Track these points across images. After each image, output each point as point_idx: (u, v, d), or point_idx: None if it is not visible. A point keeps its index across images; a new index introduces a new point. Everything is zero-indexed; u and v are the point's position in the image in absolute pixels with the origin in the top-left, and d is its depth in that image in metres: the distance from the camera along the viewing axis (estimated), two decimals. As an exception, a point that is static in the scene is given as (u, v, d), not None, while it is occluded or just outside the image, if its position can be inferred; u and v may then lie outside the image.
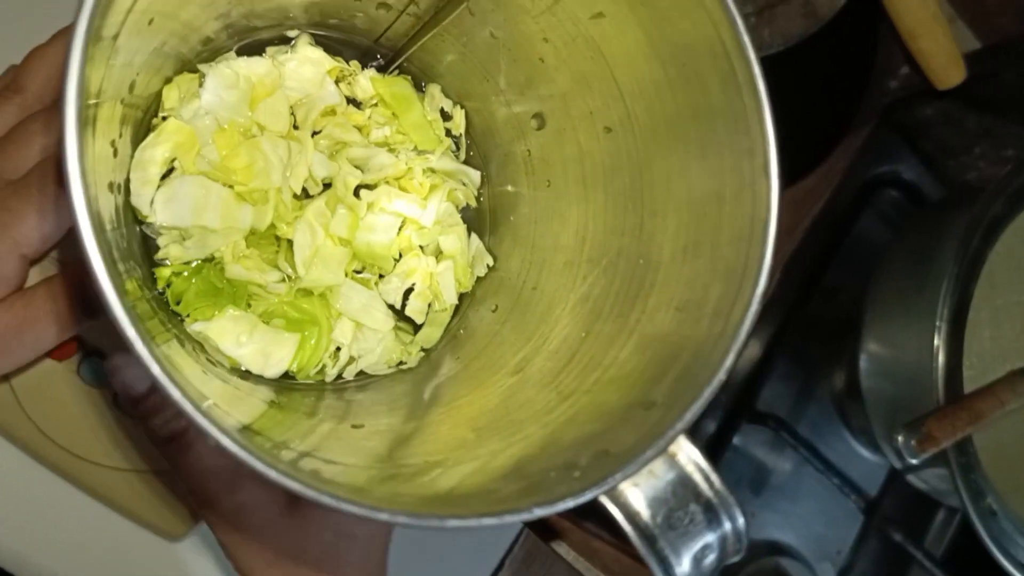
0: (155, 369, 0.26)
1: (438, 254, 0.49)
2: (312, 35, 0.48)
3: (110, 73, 0.34)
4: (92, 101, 0.33)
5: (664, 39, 0.35)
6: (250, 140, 0.45)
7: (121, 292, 0.26)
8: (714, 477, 0.32)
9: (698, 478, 0.31)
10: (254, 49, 0.47)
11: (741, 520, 0.32)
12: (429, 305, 0.49)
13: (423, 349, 0.49)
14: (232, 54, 0.46)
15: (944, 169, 0.84)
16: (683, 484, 0.31)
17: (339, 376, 0.48)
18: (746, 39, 0.32)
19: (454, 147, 0.51)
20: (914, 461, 0.57)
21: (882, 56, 0.78)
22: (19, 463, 0.52)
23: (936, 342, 0.60)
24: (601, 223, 0.42)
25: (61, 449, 0.51)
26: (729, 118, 0.34)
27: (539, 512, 0.29)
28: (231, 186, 0.45)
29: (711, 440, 0.73)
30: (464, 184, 0.50)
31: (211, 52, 0.46)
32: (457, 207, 0.50)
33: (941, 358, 0.60)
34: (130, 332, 0.26)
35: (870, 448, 0.79)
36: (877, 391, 0.70)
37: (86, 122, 0.29)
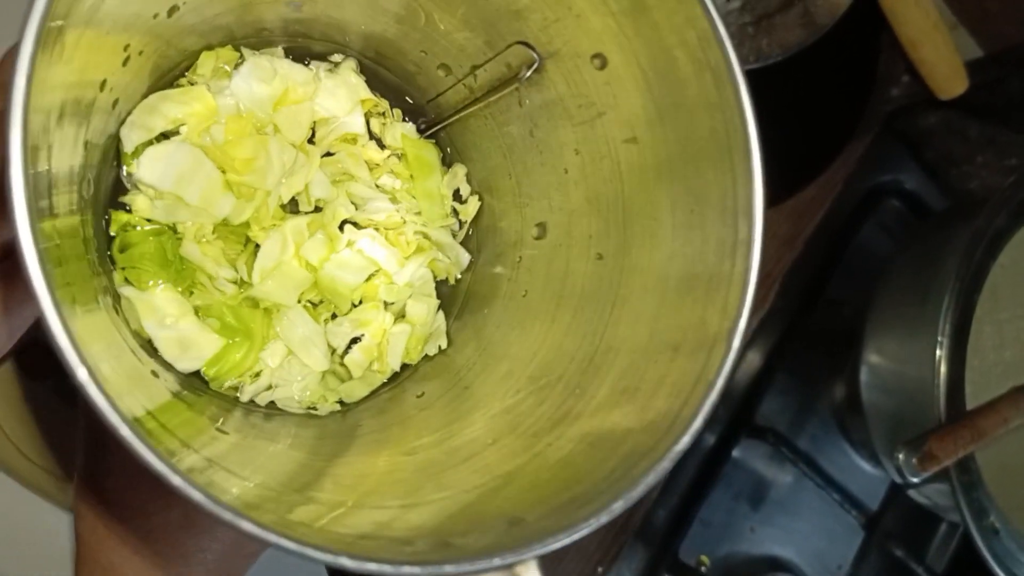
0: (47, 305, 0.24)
1: (400, 316, 0.47)
2: (364, 64, 0.48)
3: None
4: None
5: (688, 188, 0.35)
6: (261, 136, 0.45)
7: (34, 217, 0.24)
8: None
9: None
10: (298, 56, 0.47)
11: None
12: (370, 363, 0.46)
13: (341, 401, 0.46)
14: (279, 51, 0.46)
15: (947, 178, 0.81)
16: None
17: (251, 400, 0.45)
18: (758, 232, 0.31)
19: (456, 227, 0.50)
20: (915, 480, 0.54)
21: (883, 64, 0.76)
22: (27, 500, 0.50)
23: (938, 358, 0.57)
24: (557, 344, 0.41)
25: (43, 471, 0.49)
26: (714, 289, 0.33)
27: (346, 562, 0.26)
28: (224, 171, 0.44)
29: (710, 454, 0.71)
30: (449, 260, 0.48)
31: (259, 41, 0.46)
32: (436, 278, 0.49)
33: (943, 374, 0.57)
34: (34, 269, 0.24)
35: (871, 462, 0.76)
36: (878, 405, 0.67)
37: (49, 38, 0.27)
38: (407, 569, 0.26)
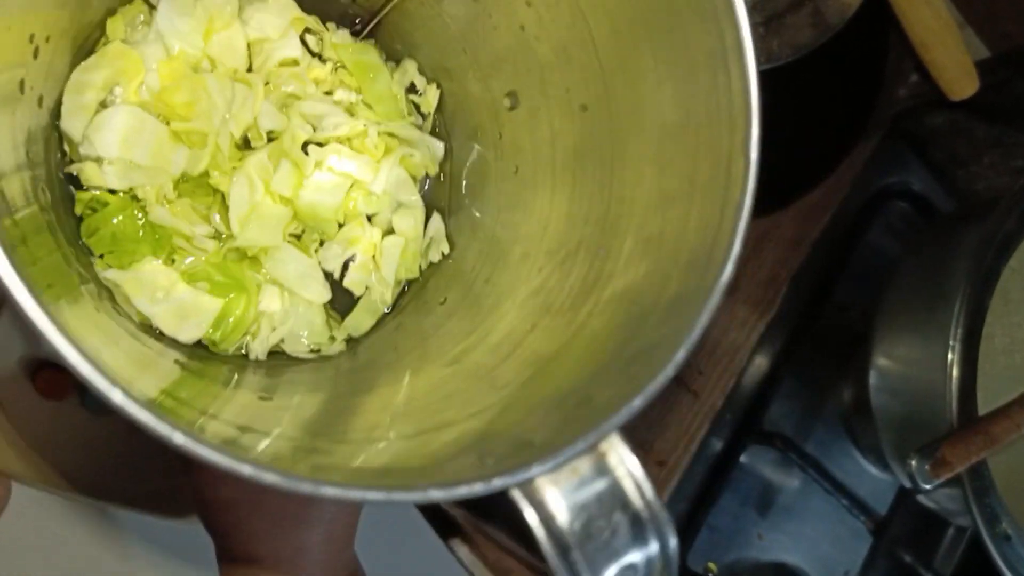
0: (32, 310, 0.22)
1: (388, 231, 0.45)
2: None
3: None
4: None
5: (655, 3, 0.32)
6: (197, 76, 0.41)
7: None
8: (647, 488, 0.27)
9: (628, 485, 0.27)
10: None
11: (673, 542, 0.27)
12: (369, 279, 0.44)
13: (349, 337, 0.45)
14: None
15: (953, 179, 0.80)
16: (611, 491, 0.27)
17: (260, 357, 0.44)
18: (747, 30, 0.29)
19: (419, 121, 0.47)
20: (928, 487, 0.54)
21: (892, 64, 0.75)
22: (49, 506, 0.49)
23: (950, 363, 0.56)
24: (565, 211, 0.39)
25: (91, 483, 0.48)
26: (712, 95, 0.31)
27: (435, 494, 0.25)
28: (168, 122, 0.41)
29: (717, 460, 0.69)
30: (422, 154, 0.46)
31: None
32: (415, 177, 0.46)
33: (955, 379, 0.56)
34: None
35: (879, 466, 0.75)
36: (887, 409, 0.66)
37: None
38: (497, 482, 0.25)
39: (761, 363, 0.72)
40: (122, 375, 0.23)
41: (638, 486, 0.27)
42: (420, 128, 0.47)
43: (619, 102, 0.35)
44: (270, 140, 0.44)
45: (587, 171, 0.37)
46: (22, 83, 0.34)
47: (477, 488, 0.25)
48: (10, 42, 0.31)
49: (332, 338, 0.44)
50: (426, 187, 0.48)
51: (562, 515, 0.26)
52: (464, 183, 0.47)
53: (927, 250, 0.68)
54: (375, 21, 0.44)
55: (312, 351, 0.44)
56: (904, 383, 0.64)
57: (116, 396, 0.22)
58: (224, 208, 0.42)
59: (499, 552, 0.55)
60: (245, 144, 0.43)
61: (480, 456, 0.28)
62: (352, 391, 0.40)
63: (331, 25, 0.46)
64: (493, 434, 0.29)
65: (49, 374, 0.46)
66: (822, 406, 0.75)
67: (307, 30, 0.46)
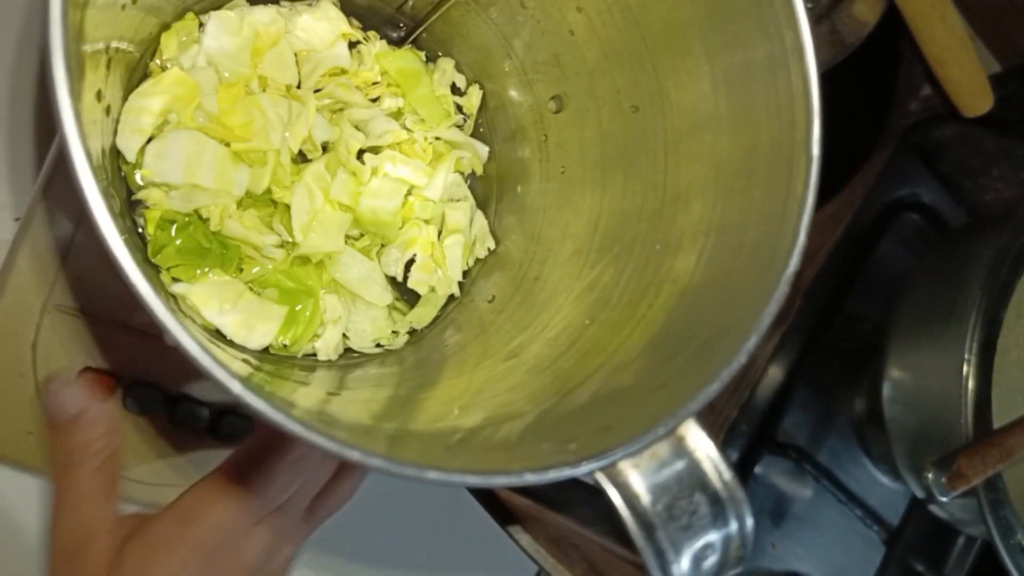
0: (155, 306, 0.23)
1: (442, 227, 0.47)
2: (332, -6, 0.46)
3: (94, 14, 0.32)
4: (86, 47, 0.31)
5: (713, 8, 0.33)
6: (249, 97, 0.43)
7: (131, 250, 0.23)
8: (724, 469, 0.29)
9: (707, 467, 0.28)
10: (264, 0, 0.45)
11: (750, 522, 0.29)
12: (433, 278, 0.46)
13: (412, 330, 0.46)
14: (242, 1, 0.44)
15: (962, 190, 0.82)
16: (690, 473, 0.28)
17: (329, 357, 0.45)
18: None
19: (461, 120, 0.48)
20: (944, 499, 0.55)
21: (903, 77, 0.76)
22: None
23: (965, 375, 0.58)
24: (617, 209, 0.40)
25: (134, 482, 0.48)
26: (771, 95, 0.32)
27: (530, 478, 0.26)
28: (227, 144, 0.43)
29: (732, 470, 0.70)
30: (470, 154, 0.48)
31: (217, 2, 0.44)
32: (464, 175, 0.48)
33: (970, 392, 0.57)
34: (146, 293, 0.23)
35: (891, 476, 0.76)
36: (900, 420, 0.67)
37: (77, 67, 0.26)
38: (585, 466, 0.26)
39: (775, 374, 0.73)
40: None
41: (716, 467, 0.29)
42: (462, 128, 0.49)
43: (672, 103, 0.37)
44: (324, 150, 0.45)
45: (639, 170, 0.39)
46: (99, 93, 0.35)
47: (566, 472, 0.26)
48: (95, 53, 0.33)
49: (395, 332, 0.46)
50: (469, 184, 0.49)
51: (645, 496, 0.28)
52: (507, 181, 0.48)
53: (939, 262, 0.69)
54: (420, 30, 0.46)
55: (377, 345, 0.45)
56: (918, 394, 0.65)
57: (235, 387, 0.24)
58: (286, 217, 0.44)
59: (559, 537, 0.57)
60: (301, 156, 0.45)
61: (561, 442, 0.29)
62: (418, 385, 0.42)
63: (372, 34, 0.48)
64: (569, 422, 0.31)
65: (91, 377, 0.48)
66: (835, 417, 0.76)
67: (350, 40, 0.47)
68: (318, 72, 0.45)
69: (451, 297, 0.48)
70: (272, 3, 0.45)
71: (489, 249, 0.48)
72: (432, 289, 0.47)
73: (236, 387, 0.24)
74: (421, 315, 0.47)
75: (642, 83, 0.38)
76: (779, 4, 0.30)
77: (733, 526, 0.29)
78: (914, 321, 0.66)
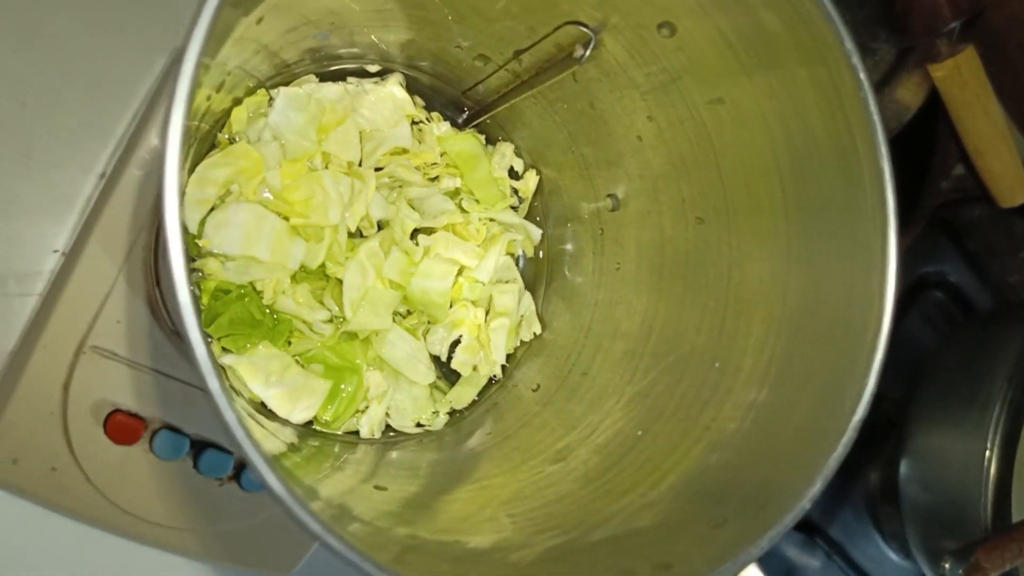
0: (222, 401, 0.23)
1: (489, 309, 0.47)
2: (395, 69, 0.46)
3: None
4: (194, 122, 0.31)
5: (787, 134, 0.33)
6: (312, 173, 0.43)
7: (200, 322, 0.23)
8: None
9: (766, 614, 0.28)
10: (333, 77, 0.45)
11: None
12: (476, 360, 0.46)
13: (452, 411, 0.46)
14: (313, 77, 0.44)
15: (988, 270, 0.81)
16: (748, 619, 0.28)
17: (371, 434, 0.45)
18: (883, 146, 0.30)
19: (516, 203, 0.49)
20: None
21: (938, 156, 0.76)
22: (117, 547, 0.50)
23: (986, 464, 0.57)
24: (675, 317, 0.40)
25: (155, 525, 0.49)
26: (847, 227, 0.32)
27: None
28: (287, 218, 0.43)
29: None
30: (522, 236, 0.48)
31: (288, 76, 0.44)
32: (514, 256, 0.48)
33: (991, 482, 0.57)
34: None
35: (901, 554, 0.76)
36: (916, 500, 0.66)
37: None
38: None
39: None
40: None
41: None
42: (516, 210, 0.49)
43: (741, 224, 0.37)
44: (379, 227, 0.45)
45: (700, 281, 0.39)
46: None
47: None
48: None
49: (435, 412, 0.46)
50: (520, 265, 0.49)
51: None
52: (558, 266, 0.48)
53: (965, 346, 0.68)
54: (485, 116, 0.46)
55: (418, 425, 0.45)
56: (935, 477, 0.65)
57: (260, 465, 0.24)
58: (337, 291, 0.44)
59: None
60: (356, 232, 0.45)
61: (625, 574, 0.29)
62: (453, 478, 0.42)
63: (436, 115, 0.48)
64: (630, 553, 0.31)
65: (120, 419, 0.48)
66: (849, 491, 0.76)
67: (413, 120, 0.47)
68: (380, 151, 0.45)
69: (492, 380, 0.47)
70: (340, 80, 0.45)
71: (535, 333, 0.48)
72: (474, 369, 0.47)
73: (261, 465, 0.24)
74: (461, 395, 0.47)
75: (710, 196, 0.38)
76: (858, 132, 0.31)
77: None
78: (936, 403, 0.66)
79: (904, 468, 0.68)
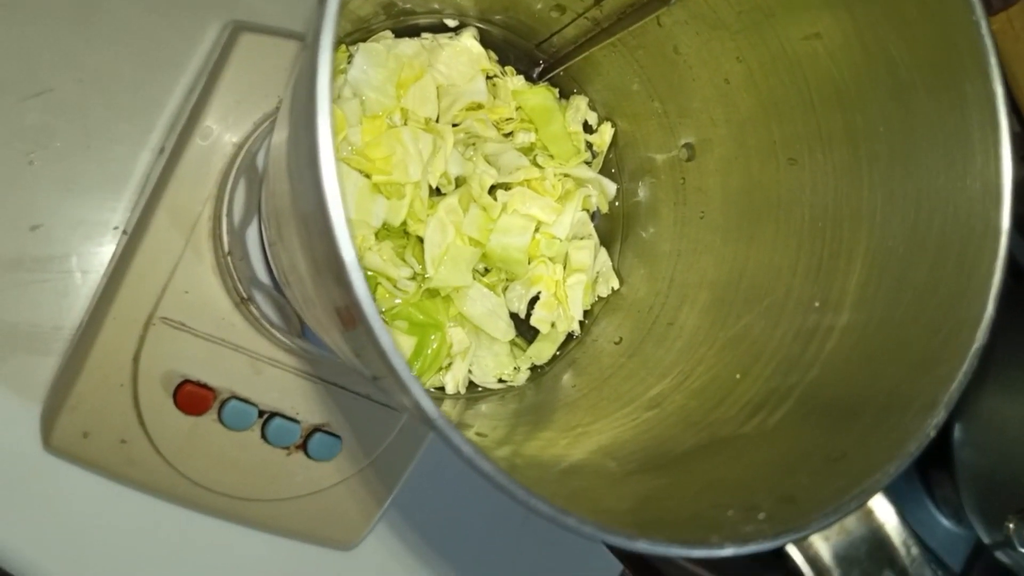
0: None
1: (566, 265, 0.47)
2: (468, 23, 0.46)
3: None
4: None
5: (889, 63, 0.33)
6: (392, 129, 0.43)
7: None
8: (913, 544, 0.28)
9: (896, 541, 0.28)
10: (409, 33, 0.45)
11: (932, 598, 0.29)
12: (554, 317, 0.46)
13: (534, 366, 0.46)
14: (389, 33, 0.44)
15: None
16: (879, 546, 0.28)
17: (456, 391, 0.45)
18: (995, 68, 0.30)
19: (590, 157, 0.48)
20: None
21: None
22: (185, 519, 0.51)
23: None
24: (766, 261, 0.39)
25: (222, 496, 0.49)
26: (956, 153, 0.31)
27: (730, 550, 0.26)
28: (368, 176, 0.43)
29: None
30: (597, 192, 0.47)
31: (365, 33, 0.44)
32: (589, 212, 0.47)
33: None
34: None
35: (953, 520, 0.75)
36: (971, 464, 0.66)
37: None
38: (783, 539, 0.26)
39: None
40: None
41: (904, 542, 0.28)
42: (590, 164, 0.49)
43: (837, 161, 0.36)
44: (457, 184, 0.45)
45: (794, 223, 0.38)
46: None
47: (766, 545, 0.26)
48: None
49: (516, 368, 0.46)
50: (595, 221, 0.49)
51: (835, 570, 0.27)
52: (634, 220, 0.48)
53: (1020, 310, 0.68)
54: (560, 68, 0.46)
55: (500, 380, 0.45)
56: (991, 440, 0.65)
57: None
58: (418, 249, 0.44)
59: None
60: (436, 191, 0.45)
61: (745, 510, 0.28)
62: (546, 427, 0.42)
63: (509, 69, 0.48)
64: (748, 487, 0.30)
65: (190, 389, 0.48)
66: None
67: (488, 75, 0.47)
68: (456, 106, 0.45)
69: (570, 336, 0.47)
70: (415, 36, 0.45)
71: (613, 288, 0.48)
72: (552, 325, 0.47)
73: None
74: (540, 350, 0.47)
75: (804, 137, 0.37)
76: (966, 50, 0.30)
77: (917, 603, 0.28)
78: (991, 365, 0.65)
79: (957, 432, 0.67)
